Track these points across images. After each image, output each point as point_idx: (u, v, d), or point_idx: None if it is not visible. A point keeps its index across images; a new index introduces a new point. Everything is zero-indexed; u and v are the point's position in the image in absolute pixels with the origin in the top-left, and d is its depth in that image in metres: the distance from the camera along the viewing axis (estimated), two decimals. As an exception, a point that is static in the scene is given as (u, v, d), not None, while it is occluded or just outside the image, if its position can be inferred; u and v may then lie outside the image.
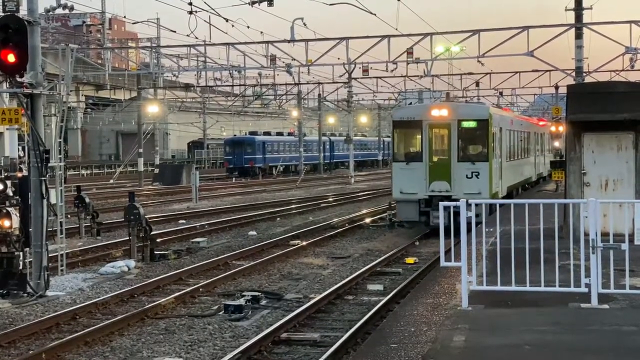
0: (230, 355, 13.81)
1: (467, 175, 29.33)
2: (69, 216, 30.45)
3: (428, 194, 29.52)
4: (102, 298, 19.52)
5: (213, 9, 39.36)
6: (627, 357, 10.26)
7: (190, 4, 37.73)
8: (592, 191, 20.68)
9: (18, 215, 19.89)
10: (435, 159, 30.07)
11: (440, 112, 29.97)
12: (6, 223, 19.69)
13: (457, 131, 29.68)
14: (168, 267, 24.31)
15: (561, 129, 45.28)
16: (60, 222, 22.75)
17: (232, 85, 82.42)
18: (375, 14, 39.40)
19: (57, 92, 26.44)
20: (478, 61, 43.36)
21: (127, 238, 26.48)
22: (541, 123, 52.27)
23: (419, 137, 30.16)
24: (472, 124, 29.87)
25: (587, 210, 12.98)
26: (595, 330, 11.56)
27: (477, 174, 29.25)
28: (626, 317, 12.31)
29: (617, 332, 11.40)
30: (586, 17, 37.12)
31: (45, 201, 20.09)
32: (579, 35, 36.63)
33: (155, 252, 26.03)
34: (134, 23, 62.09)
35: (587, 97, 21.39)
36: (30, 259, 20.20)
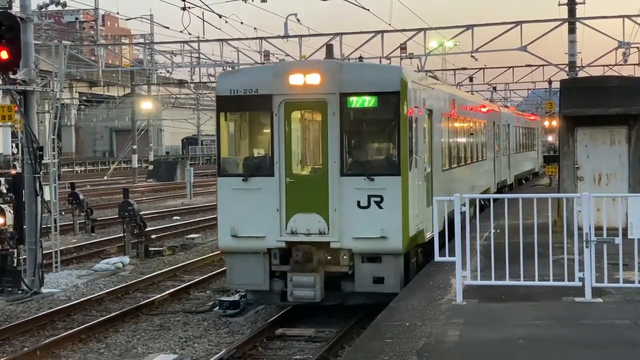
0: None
1: (359, 203, 15.56)
2: (63, 213, 30.46)
3: (284, 238, 15.77)
4: (96, 295, 19.53)
5: (206, 5, 39.32)
6: (621, 350, 10.29)
7: (184, 0, 37.69)
8: (585, 185, 20.71)
9: (12, 212, 19.88)
10: (298, 171, 16.44)
11: (306, 79, 15.86)
12: (0, 220, 19.68)
13: (341, 115, 15.73)
14: (163, 264, 24.32)
15: (554, 123, 45.32)
16: (55, 219, 22.75)
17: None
18: (368, 10, 39.40)
19: (51, 88, 26.46)
20: (472, 56, 43.29)
21: (122, 234, 26.50)
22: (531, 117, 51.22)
23: (265, 128, 16.41)
24: (370, 101, 15.83)
25: (580, 205, 13.00)
26: (589, 324, 11.59)
27: (378, 199, 15.55)
28: (619, 311, 12.34)
29: (611, 326, 11.43)
30: (579, 11, 37.14)
31: (39, 198, 20.08)
32: (572, 30, 36.62)
33: (150, 249, 26.05)
34: (127, 19, 61.90)
35: (580, 92, 21.41)
36: (25, 256, 20.21)
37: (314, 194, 15.69)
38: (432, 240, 16.96)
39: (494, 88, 66.50)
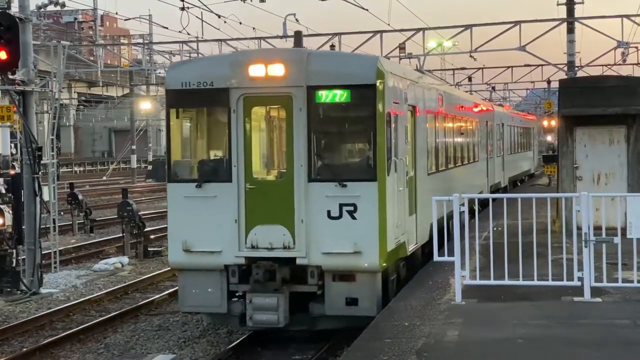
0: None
1: (329, 213, 13.80)
2: (62, 213, 30.48)
3: (244, 254, 13.97)
4: (95, 295, 19.53)
5: (205, 5, 39.30)
6: (620, 350, 10.28)
7: (183, 0, 37.69)
8: (584, 185, 20.71)
9: (11, 212, 19.88)
10: (260, 175, 14.63)
11: (268, 70, 14.02)
12: (-1, 220, 19.67)
13: (308, 112, 13.93)
14: (162, 264, 24.30)
15: (553, 123, 45.30)
16: (54, 219, 22.75)
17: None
18: (367, 10, 39.42)
19: (49, 89, 26.45)
20: (470, 56, 43.32)
21: (121, 235, 26.48)
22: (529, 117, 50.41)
23: (223, 127, 14.42)
24: (342, 96, 13.98)
25: (579, 204, 13.00)
26: (588, 324, 11.59)
27: (351, 209, 13.78)
28: (619, 311, 12.34)
29: (610, 326, 11.42)
30: (578, 11, 37.14)
31: (38, 198, 20.08)
32: (570, 30, 36.64)
33: (149, 249, 26.04)
34: (126, 20, 61.79)
35: (579, 92, 21.43)
36: (24, 257, 20.21)
37: (278, 202, 13.84)
38: (416, 253, 16.29)
39: (493, 88, 66.52)
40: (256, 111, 14.52)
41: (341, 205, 13.71)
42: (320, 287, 13.79)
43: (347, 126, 14.75)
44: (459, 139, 23.12)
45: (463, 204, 13.22)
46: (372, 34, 40.40)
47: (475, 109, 27.36)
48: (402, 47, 42.69)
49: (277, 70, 13.90)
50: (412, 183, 16.13)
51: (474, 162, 26.02)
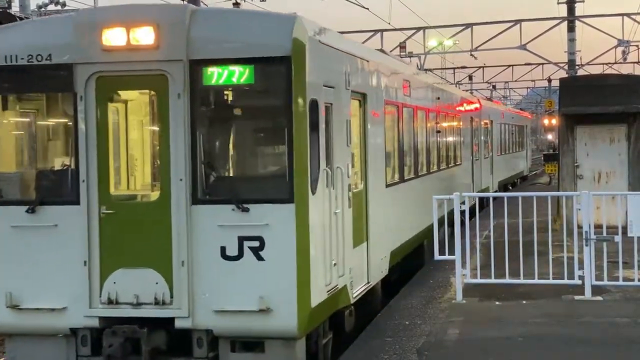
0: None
1: (223, 251, 9.32)
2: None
3: (98, 312, 9.49)
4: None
5: (205, 5, 39.34)
6: (620, 348, 10.29)
7: (184, 1, 37.71)
8: (585, 184, 20.73)
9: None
10: (121, 194, 10.45)
11: (132, 36, 9.39)
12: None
13: (192, 100, 9.40)
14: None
15: (554, 121, 45.29)
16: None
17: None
18: (368, 9, 39.44)
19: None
20: (471, 55, 43.40)
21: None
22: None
23: (67, 121, 10.02)
24: (241, 75, 9.39)
25: (580, 203, 13.02)
26: (589, 322, 11.59)
27: (257, 245, 9.28)
28: (619, 309, 12.35)
29: (611, 324, 11.43)
30: (578, 10, 37.25)
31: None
32: (571, 29, 36.70)
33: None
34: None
35: (579, 90, 21.45)
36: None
37: (148, 234, 9.35)
38: (366, 296, 11.79)
39: (494, 86, 66.59)
40: (115, 98, 10.09)
41: (241, 240, 9.17)
42: None
43: (251, 121, 10.11)
44: (434, 139, 18.48)
45: (464, 202, 13.25)
46: (372, 33, 40.41)
47: (457, 103, 23.06)
48: (402, 46, 42.75)
49: (144, 36, 9.27)
50: (361, 200, 11.76)
51: (454, 166, 21.74)
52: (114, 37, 9.35)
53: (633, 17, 36.51)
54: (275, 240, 9.17)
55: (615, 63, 49.54)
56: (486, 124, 29.78)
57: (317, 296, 9.57)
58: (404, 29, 41.68)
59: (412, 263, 16.04)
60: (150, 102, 10.57)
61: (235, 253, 9.22)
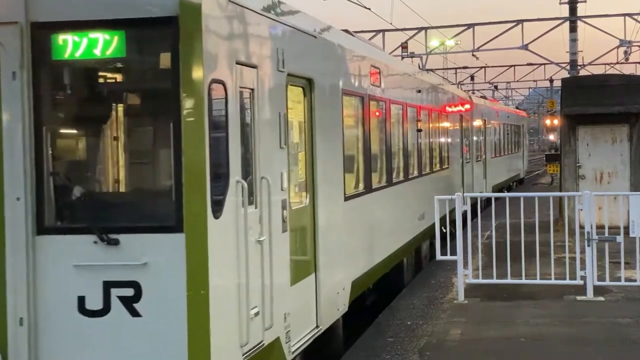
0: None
1: (82, 304, 6.40)
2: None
3: None
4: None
5: (207, 5, 39.39)
6: (623, 348, 10.29)
7: None
8: (587, 184, 20.73)
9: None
10: None
11: None
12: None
13: (35, 81, 6.39)
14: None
15: (556, 122, 45.27)
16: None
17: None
18: (369, 9, 39.45)
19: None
20: (473, 55, 43.39)
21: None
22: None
23: None
24: (107, 45, 6.33)
25: (582, 203, 13.02)
26: (591, 323, 11.59)
27: (130, 294, 6.35)
28: (621, 309, 12.34)
29: (613, 324, 11.43)
30: (580, 10, 37.19)
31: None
32: (573, 29, 36.65)
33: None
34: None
35: (581, 91, 21.45)
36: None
37: None
38: (312, 347, 9.08)
39: (495, 87, 66.58)
40: None
41: (108, 286, 6.44)
42: None
43: (122, 113, 7.00)
44: (414, 140, 15.89)
45: (465, 203, 13.25)
46: (374, 33, 40.38)
47: (444, 98, 20.27)
48: (404, 46, 42.74)
49: None
50: (306, 220, 9.14)
51: (440, 170, 18.95)
52: None
53: (635, 17, 36.48)
54: (156, 287, 6.37)
55: (617, 63, 49.52)
56: (479, 123, 27.49)
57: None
58: (406, 29, 41.65)
59: (394, 281, 14.20)
60: None
61: (99, 306, 6.43)
